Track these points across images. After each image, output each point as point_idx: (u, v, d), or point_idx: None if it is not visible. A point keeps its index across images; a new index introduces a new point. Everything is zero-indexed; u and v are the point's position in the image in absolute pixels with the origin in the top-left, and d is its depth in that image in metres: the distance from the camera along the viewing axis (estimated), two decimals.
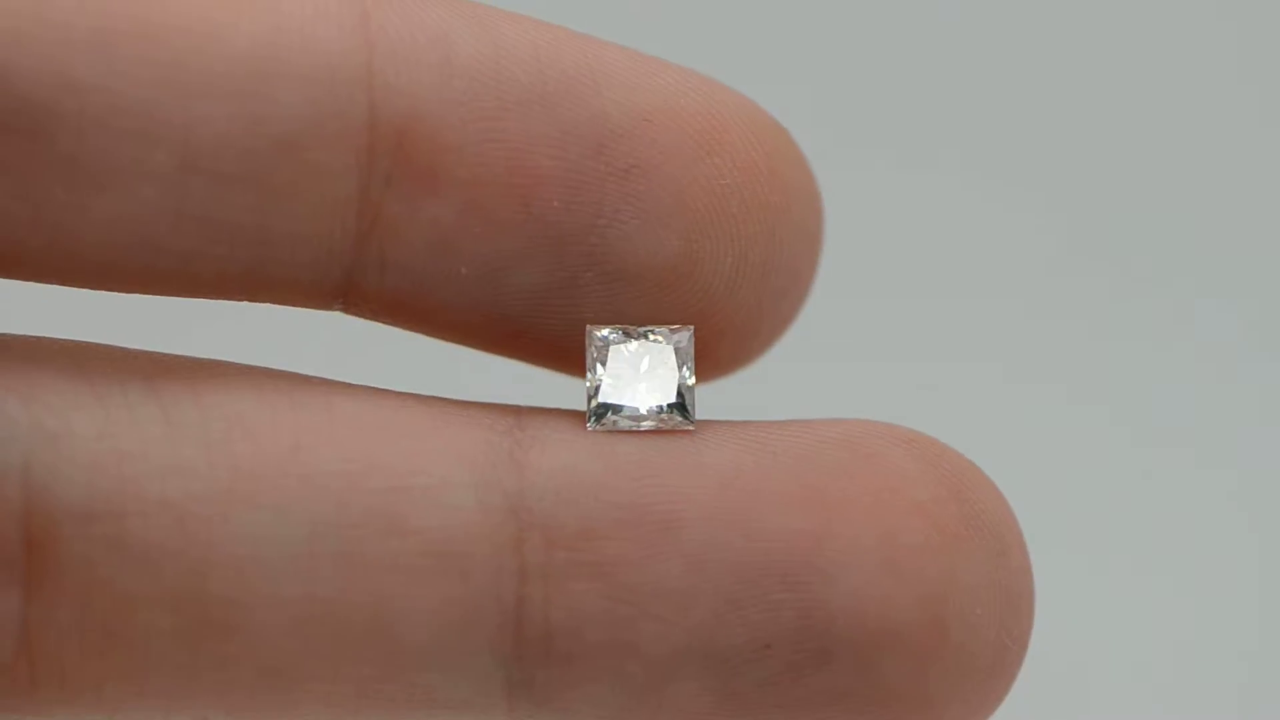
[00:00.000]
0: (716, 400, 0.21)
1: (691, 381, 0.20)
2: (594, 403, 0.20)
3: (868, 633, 0.19)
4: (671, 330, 0.20)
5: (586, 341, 0.20)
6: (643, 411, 0.20)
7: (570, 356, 0.21)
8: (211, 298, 0.20)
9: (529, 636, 0.20)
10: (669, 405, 0.20)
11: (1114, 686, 0.44)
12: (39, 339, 0.19)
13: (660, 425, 0.20)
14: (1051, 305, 0.47)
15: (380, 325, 0.21)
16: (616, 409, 0.20)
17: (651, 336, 0.20)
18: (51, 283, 0.19)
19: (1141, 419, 0.46)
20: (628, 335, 0.20)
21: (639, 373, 0.20)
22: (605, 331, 0.20)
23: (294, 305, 0.20)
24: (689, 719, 0.20)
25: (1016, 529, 0.20)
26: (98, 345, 0.20)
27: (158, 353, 0.20)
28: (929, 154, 0.48)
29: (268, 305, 0.20)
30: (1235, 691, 0.45)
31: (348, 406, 0.20)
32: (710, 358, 0.21)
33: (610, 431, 0.20)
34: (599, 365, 0.20)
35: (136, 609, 0.19)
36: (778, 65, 0.47)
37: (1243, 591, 0.46)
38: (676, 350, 0.20)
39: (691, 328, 0.20)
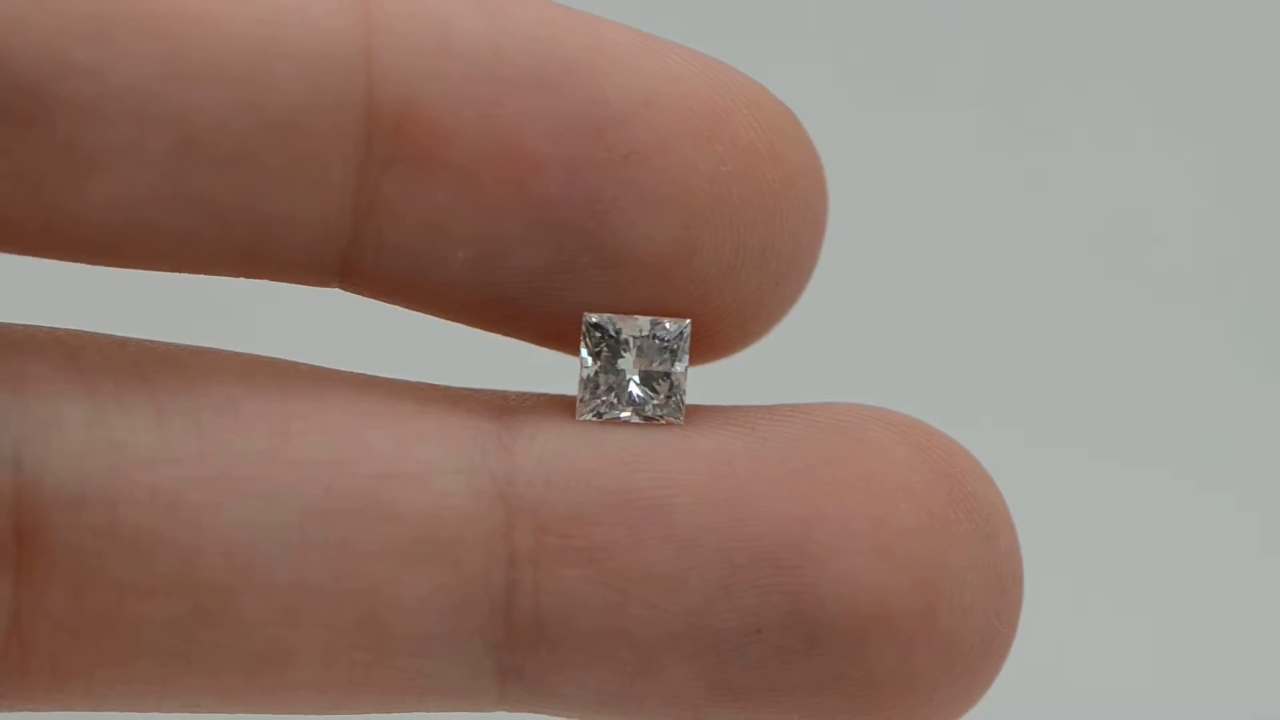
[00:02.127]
0: (707, 385, 0.21)
1: (685, 374, 0.20)
2: (585, 391, 0.20)
3: (857, 617, 0.19)
4: (668, 321, 0.20)
5: (581, 329, 0.20)
6: (634, 402, 0.20)
7: (568, 338, 0.20)
8: (208, 274, 0.20)
9: (519, 622, 0.20)
10: (661, 397, 0.20)
11: (1102, 671, 0.44)
12: (29, 327, 0.19)
13: (651, 416, 0.20)
14: (1044, 290, 0.47)
15: (378, 302, 0.21)
16: (607, 399, 0.20)
17: (646, 327, 0.20)
18: (47, 258, 0.19)
19: (1131, 402, 0.46)
20: (622, 325, 0.20)
21: (631, 363, 0.20)
22: (600, 320, 0.20)
23: (291, 282, 0.20)
24: (679, 704, 0.20)
25: (1006, 513, 0.20)
26: (88, 334, 0.20)
27: (149, 341, 0.20)
28: (931, 135, 0.48)
29: (265, 281, 0.20)
30: (1225, 676, 0.45)
31: (338, 394, 0.20)
32: (708, 341, 0.21)
33: (600, 420, 0.20)
34: (592, 354, 0.20)
35: (127, 597, 0.19)
36: (784, 44, 0.47)
37: (1231, 576, 0.46)
38: (671, 341, 0.20)
39: (688, 321, 0.20)
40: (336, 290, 0.20)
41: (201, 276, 0.20)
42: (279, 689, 0.20)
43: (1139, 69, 0.48)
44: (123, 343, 0.20)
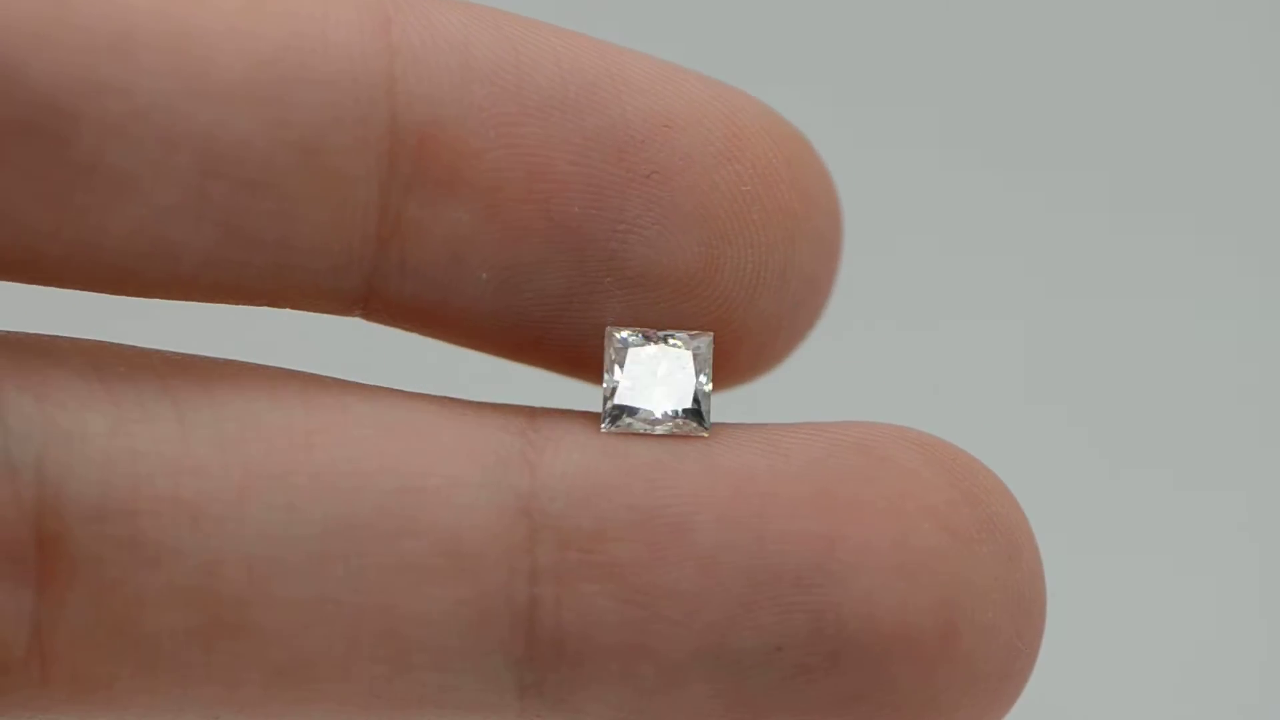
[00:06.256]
0: (731, 402, 0.21)
1: (708, 388, 0.20)
2: (609, 405, 0.20)
3: (879, 636, 0.19)
4: (691, 335, 0.20)
5: (605, 343, 0.20)
6: (658, 416, 0.20)
7: (588, 362, 0.21)
8: (230, 303, 0.20)
9: (541, 638, 0.20)
10: (684, 411, 0.20)
11: (1124, 691, 0.44)
12: (53, 338, 0.19)
13: (675, 430, 0.20)
14: (1067, 311, 0.47)
15: (399, 331, 0.21)
16: (632, 412, 0.20)
17: (671, 341, 0.20)
18: (70, 288, 0.19)
19: (1157, 419, 0.46)
20: (647, 338, 0.20)
21: (656, 377, 0.20)
22: (624, 334, 0.20)
23: (313, 310, 0.20)
24: None
25: (1029, 532, 0.20)
26: (112, 344, 0.20)
27: (171, 352, 0.20)
28: (948, 158, 0.48)
29: (287, 310, 0.20)
30: (1242, 697, 0.44)
31: (361, 406, 0.20)
32: (729, 364, 0.21)
33: (624, 434, 0.20)
34: (616, 367, 0.20)
35: (148, 608, 0.19)
36: (797, 70, 0.47)
37: (1252, 597, 0.46)
38: (695, 355, 0.20)
39: (711, 334, 0.20)
40: (359, 319, 0.20)
41: (224, 307, 0.20)
42: (298, 701, 0.19)
43: (1141, 89, 0.48)
44: (146, 354, 0.20)
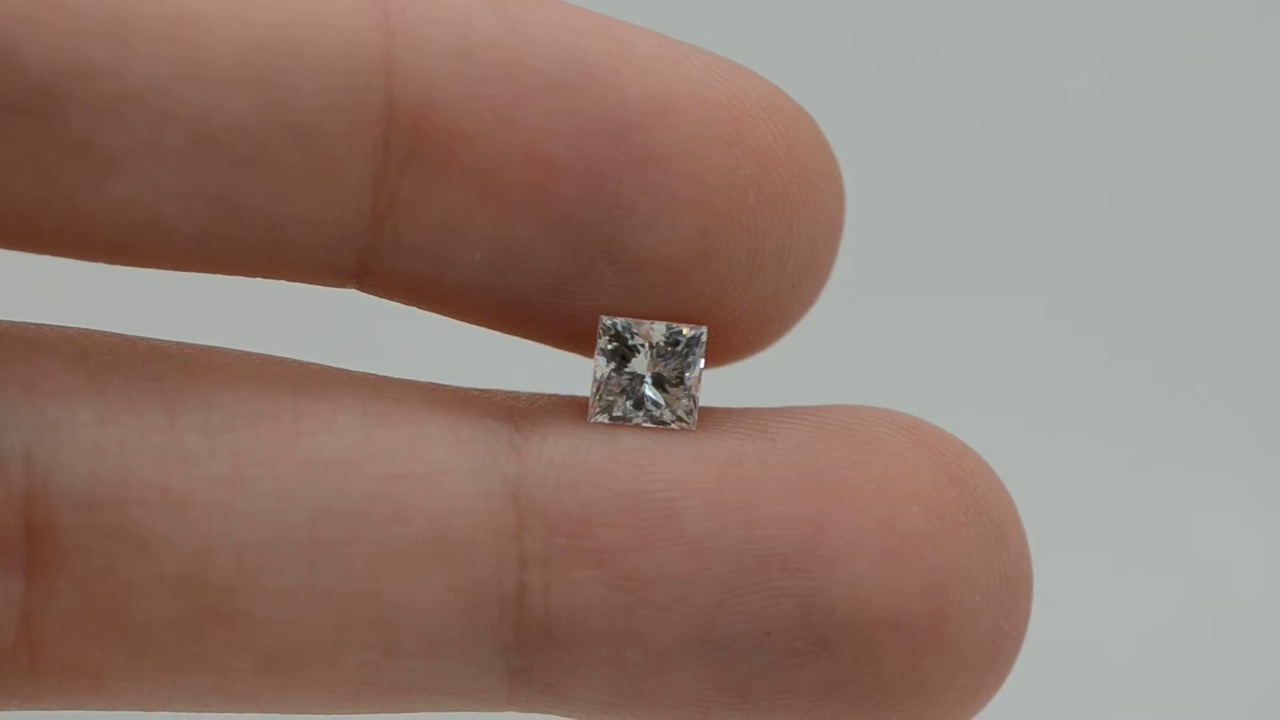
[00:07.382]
0: (718, 386, 0.21)
1: (698, 381, 0.20)
2: (597, 394, 0.20)
3: (867, 620, 0.19)
4: (684, 328, 0.20)
5: (598, 332, 0.20)
6: (646, 408, 0.20)
7: (584, 340, 0.20)
8: (224, 274, 0.20)
9: (529, 623, 0.20)
10: (673, 404, 0.20)
11: (1110, 674, 0.44)
12: (40, 326, 0.19)
13: (661, 423, 0.20)
14: (1057, 292, 0.47)
15: (395, 303, 0.21)
16: (620, 402, 0.20)
17: (662, 333, 0.20)
18: (64, 257, 0.19)
19: (1142, 403, 0.46)
20: (638, 330, 0.20)
21: (645, 368, 0.20)
22: (616, 323, 0.20)
23: (308, 283, 0.20)
24: (688, 706, 0.20)
25: (1015, 515, 0.20)
26: (98, 333, 0.20)
27: (158, 340, 0.20)
28: (944, 139, 0.48)
29: (282, 281, 0.20)
30: (1230, 681, 0.45)
31: (348, 394, 0.20)
32: (724, 344, 0.21)
33: (611, 423, 0.20)
34: (607, 356, 0.20)
35: (137, 596, 0.19)
36: (803, 48, 0.47)
37: (1240, 581, 0.46)
38: (686, 349, 0.20)
39: (704, 328, 0.20)
40: (353, 290, 0.20)
41: (217, 276, 0.20)
42: (288, 688, 0.20)
43: (1145, 75, 0.48)
44: (133, 342, 0.20)
